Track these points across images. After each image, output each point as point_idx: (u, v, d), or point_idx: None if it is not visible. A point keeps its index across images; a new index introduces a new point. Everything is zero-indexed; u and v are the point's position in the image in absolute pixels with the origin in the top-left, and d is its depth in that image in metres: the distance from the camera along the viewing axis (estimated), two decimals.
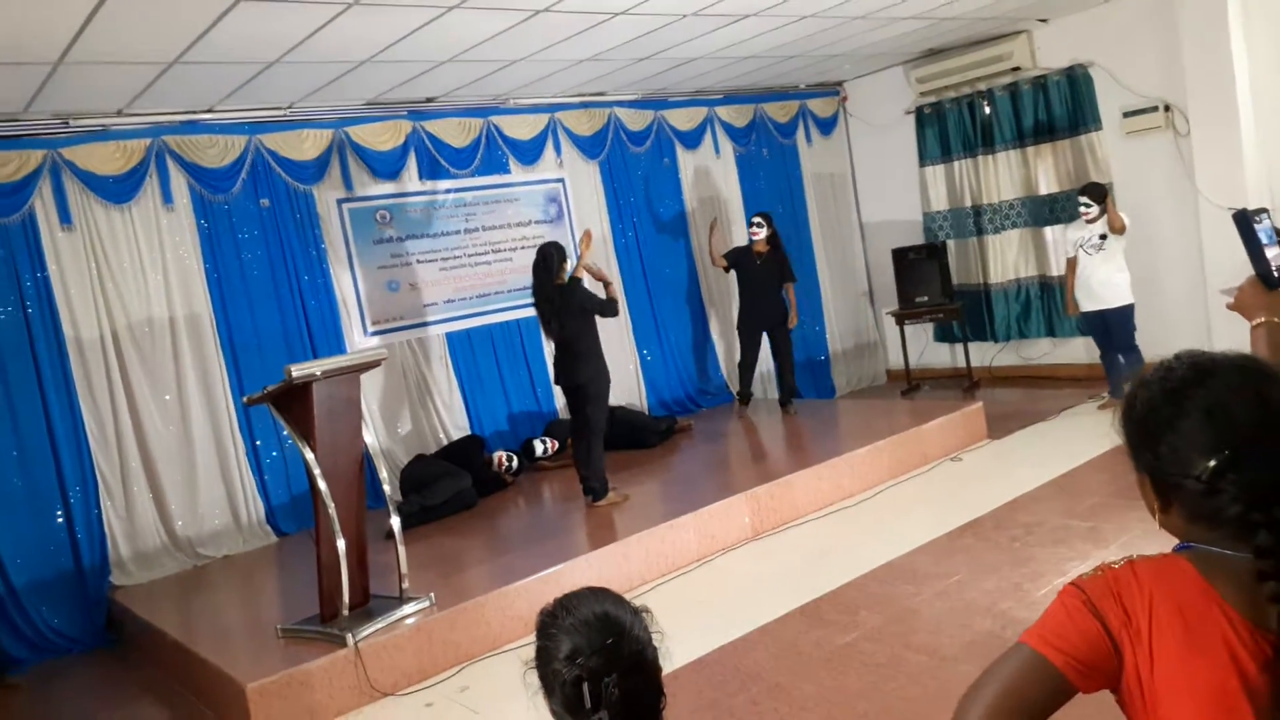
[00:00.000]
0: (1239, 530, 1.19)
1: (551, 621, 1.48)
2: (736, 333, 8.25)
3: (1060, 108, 8.17)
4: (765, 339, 8.04)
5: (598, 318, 5.99)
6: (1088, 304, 7.03)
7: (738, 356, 8.34)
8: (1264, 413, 1.21)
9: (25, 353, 5.65)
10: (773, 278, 7.85)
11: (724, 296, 8.93)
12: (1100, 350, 7.29)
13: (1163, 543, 1.33)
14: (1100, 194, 6.91)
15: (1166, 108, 7.55)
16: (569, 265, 5.98)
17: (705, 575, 5.27)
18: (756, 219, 7.88)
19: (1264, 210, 1.77)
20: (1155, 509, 1.31)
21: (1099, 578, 1.25)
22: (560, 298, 5.86)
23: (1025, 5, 7.34)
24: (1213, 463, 1.19)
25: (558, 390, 7.82)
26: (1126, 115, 7.79)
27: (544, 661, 1.46)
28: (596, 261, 6.39)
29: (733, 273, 8.14)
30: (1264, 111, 7.12)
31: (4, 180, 5.56)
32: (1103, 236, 6.85)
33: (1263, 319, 1.70)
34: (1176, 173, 7.55)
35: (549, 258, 5.90)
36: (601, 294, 6.08)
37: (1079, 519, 5.14)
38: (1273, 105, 7.09)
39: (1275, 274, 1.72)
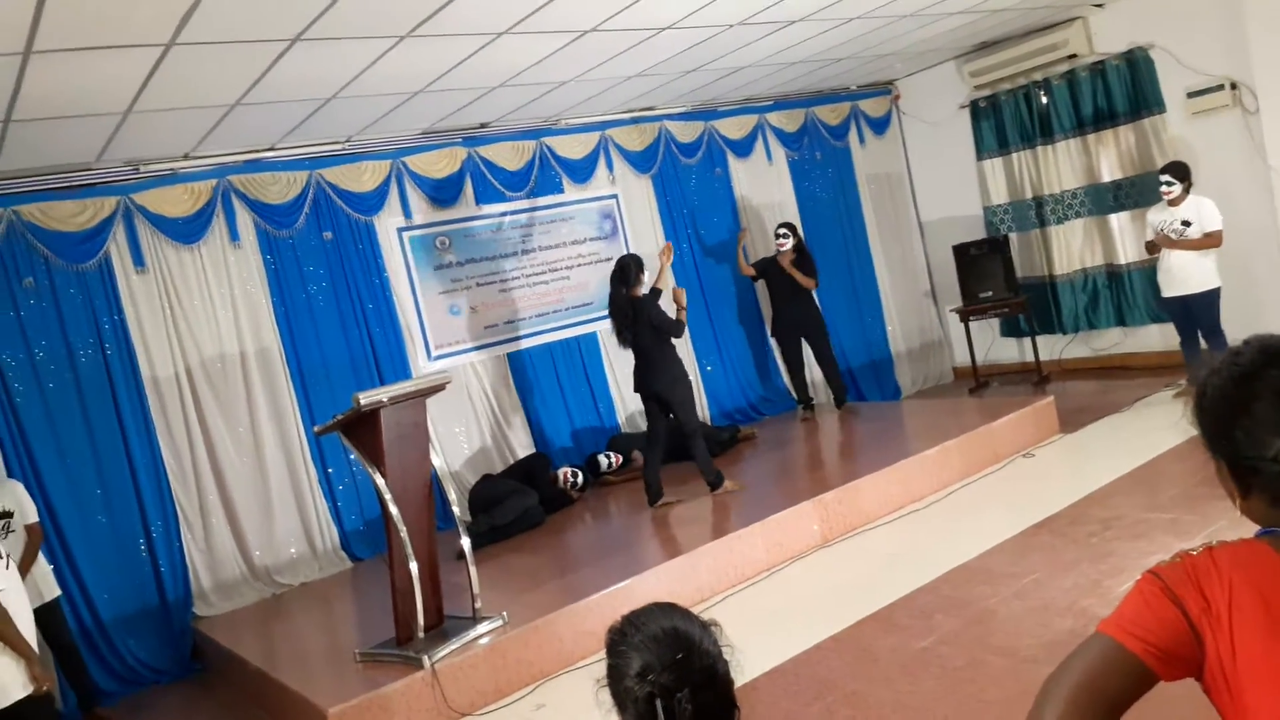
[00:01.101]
0: None
1: (621, 639, 1.48)
2: (774, 341, 8.34)
3: (1120, 92, 7.97)
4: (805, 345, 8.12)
5: None
6: (1169, 289, 6.70)
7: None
8: None
9: (105, 393, 5.86)
10: (801, 286, 7.88)
11: None
12: (1181, 338, 6.95)
13: (1247, 532, 1.30)
14: (1184, 173, 6.57)
15: (1233, 85, 7.31)
16: (647, 277, 6.17)
17: (775, 585, 5.23)
18: (782, 229, 7.96)
19: None
20: (1236, 496, 1.29)
21: (1178, 565, 1.24)
22: (632, 310, 6.06)
23: None
24: None
25: (621, 404, 7.91)
26: (1191, 96, 7.56)
27: (615, 679, 1.46)
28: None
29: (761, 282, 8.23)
30: None
31: (80, 228, 5.80)
32: (1185, 223, 6.55)
33: None
34: (1247, 151, 7.30)
35: (626, 269, 6.14)
36: (671, 313, 6.18)
37: (1159, 511, 4.99)
38: None
39: None
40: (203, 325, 6.25)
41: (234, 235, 6.36)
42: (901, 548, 5.35)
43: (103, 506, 5.81)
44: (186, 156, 6.07)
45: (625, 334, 6.16)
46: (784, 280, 7.92)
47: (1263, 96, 7.09)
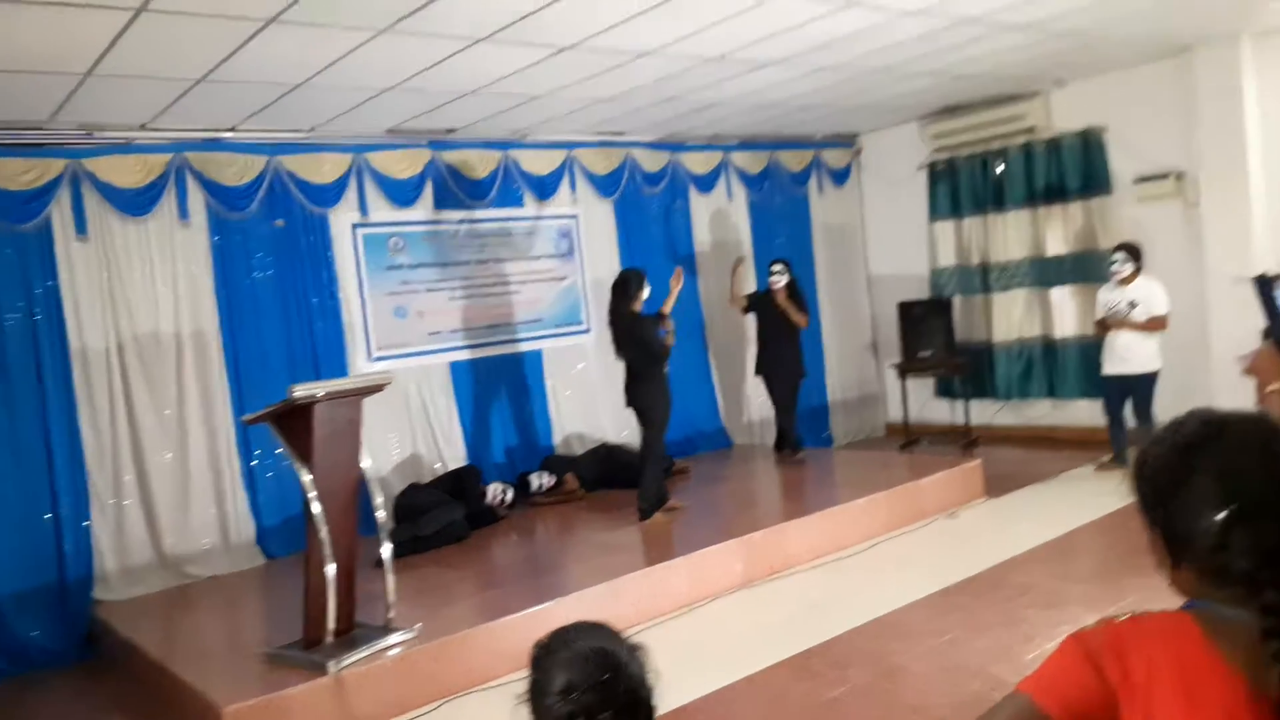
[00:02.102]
0: (1247, 588, 1.19)
1: (546, 654, 1.45)
2: (760, 379, 8.14)
3: (1073, 170, 8.22)
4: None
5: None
6: (1111, 367, 6.90)
7: (742, 400, 8.30)
8: (1272, 467, 1.22)
9: (29, 360, 5.64)
10: (791, 325, 7.79)
11: (729, 342, 8.95)
12: (1110, 417, 7.13)
13: (1164, 605, 1.32)
14: (1137, 253, 6.78)
15: (1178, 177, 7.60)
16: (644, 293, 6.32)
17: (694, 621, 5.22)
18: (776, 265, 7.82)
19: None
20: (1167, 567, 1.31)
21: (1101, 631, 1.26)
22: (627, 325, 6.26)
23: (1042, 67, 7.41)
24: (1222, 516, 1.20)
25: (559, 425, 7.87)
26: (1138, 182, 7.83)
27: (537, 695, 1.43)
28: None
29: (749, 318, 8.15)
30: (1275, 187, 7.17)
31: (24, 188, 5.59)
32: (1133, 303, 6.75)
33: (1277, 385, 1.71)
34: (1186, 242, 7.57)
35: (628, 283, 6.34)
36: (663, 336, 6.35)
37: (1074, 582, 5.10)
38: None
39: None
40: (140, 301, 6.07)
41: (183, 213, 6.21)
42: (822, 595, 5.39)
43: (12, 475, 5.58)
44: (143, 127, 5.92)
45: (621, 348, 6.38)
46: (774, 317, 7.80)
47: (1205, 192, 7.37)
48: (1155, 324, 6.67)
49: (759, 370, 8.09)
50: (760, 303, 7.94)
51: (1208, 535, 1.21)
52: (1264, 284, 1.76)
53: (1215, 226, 7.33)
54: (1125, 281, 6.75)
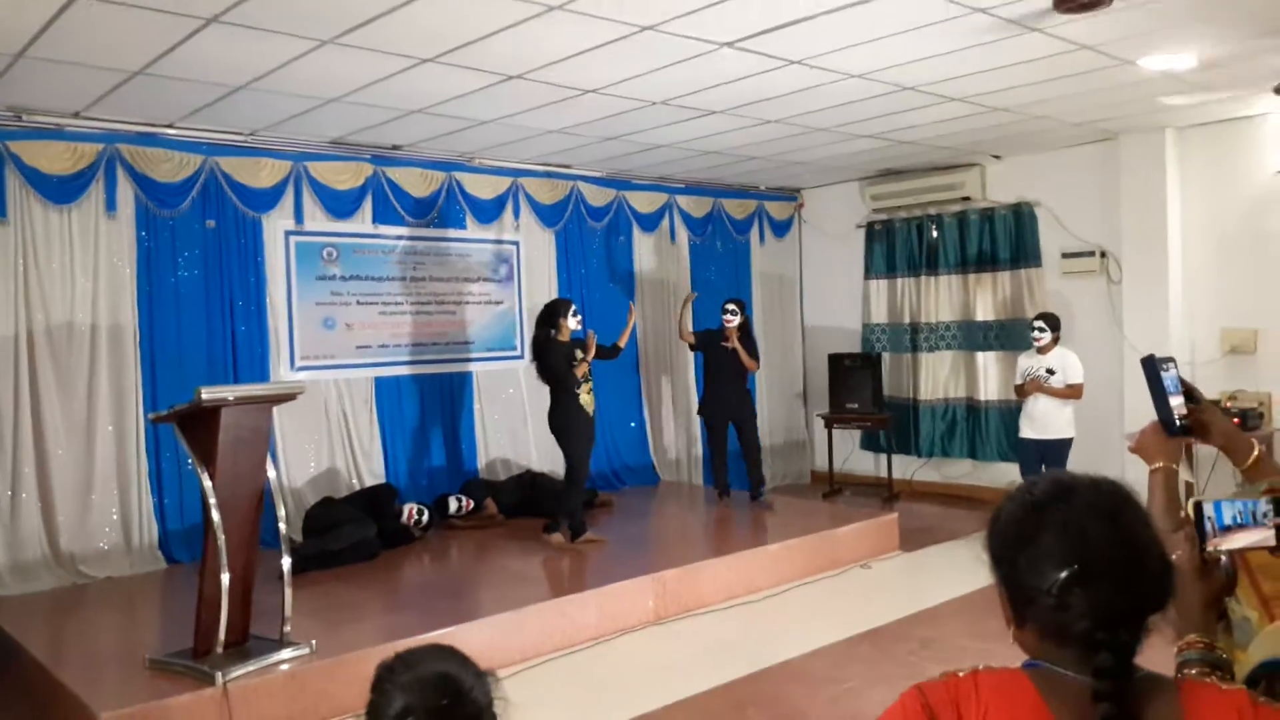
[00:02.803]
0: (1085, 649, 1.21)
1: (388, 675, 1.43)
2: (699, 419, 7.98)
3: (1004, 241, 8.48)
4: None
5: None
6: (1028, 431, 7.06)
7: (671, 437, 8.28)
8: (1116, 532, 1.24)
9: None
10: (741, 366, 7.65)
11: (665, 378, 9.01)
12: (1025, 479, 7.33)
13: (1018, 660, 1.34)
14: (1056, 323, 6.99)
15: (1103, 254, 7.88)
16: (570, 322, 6.52)
17: (600, 655, 5.17)
18: (730, 305, 7.69)
19: (1171, 359, 1.82)
20: (1010, 622, 1.33)
21: (941, 684, 1.28)
22: (541, 351, 6.49)
23: (981, 141, 7.66)
24: (1063, 575, 1.22)
25: (483, 449, 7.82)
26: (1065, 256, 8.11)
27: (374, 717, 1.41)
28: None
29: (693, 358, 8.23)
30: (1192, 269, 7.47)
31: None
32: (1050, 371, 6.95)
33: (1160, 464, 1.77)
34: (1106, 317, 7.85)
35: (553, 311, 6.58)
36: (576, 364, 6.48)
37: (978, 640, 5.15)
38: (1201, 264, 7.44)
39: (1176, 421, 1.78)
40: (56, 290, 5.91)
41: (111, 205, 6.08)
42: (730, 636, 5.39)
43: None
44: (77, 115, 5.80)
45: (540, 373, 6.62)
46: (724, 358, 7.64)
47: (1126, 269, 7.66)
48: (1071, 392, 6.88)
49: (702, 410, 7.99)
50: (710, 341, 7.80)
51: (1049, 594, 1.23)
52: (1150, 365, 1.81)
53: (1134, 304, 7.61)
54: (1044, 350, 6.96)
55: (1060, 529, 1.25)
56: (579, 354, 6.47)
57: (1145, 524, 1.28)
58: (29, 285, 5.82)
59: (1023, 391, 7.11)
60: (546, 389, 6.59)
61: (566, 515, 6.44)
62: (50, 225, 5.89)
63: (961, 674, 1.28)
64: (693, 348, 7.99)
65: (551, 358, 6.44)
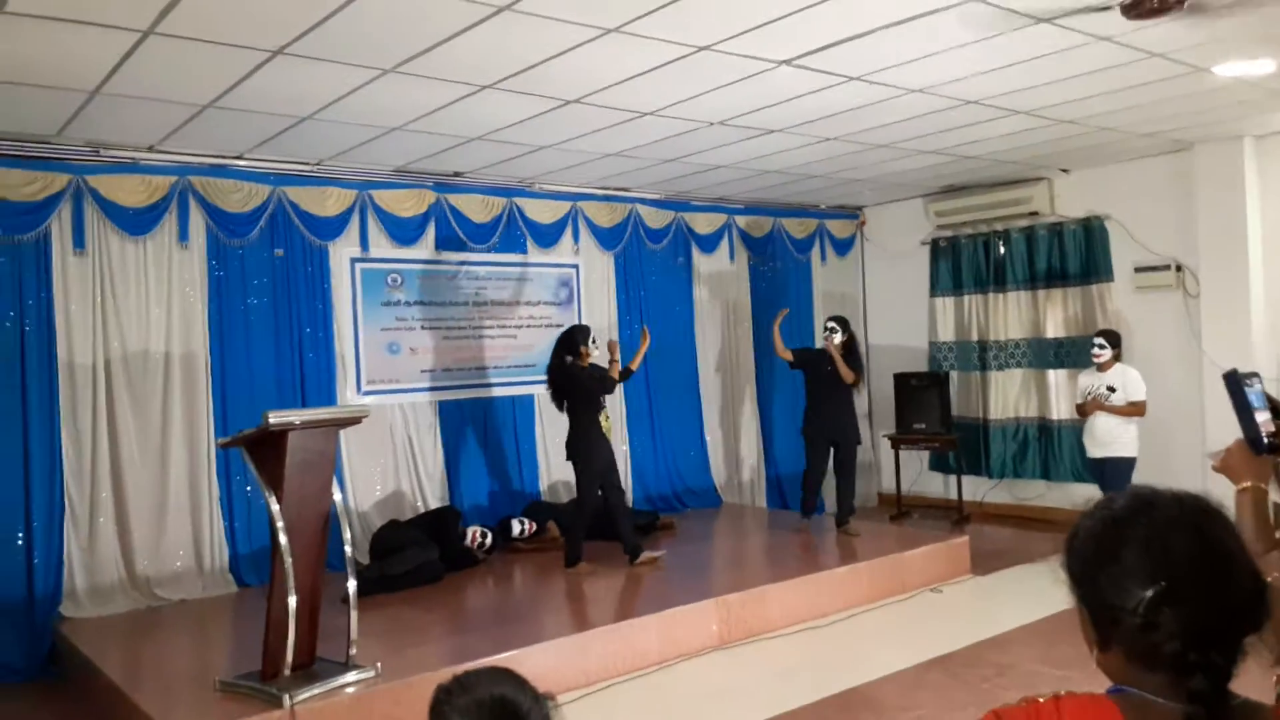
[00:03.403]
0: (1176, 673, 1.15)
1: (446, 699, 1.42)
2: (803, 439, 7.70)
3: (1074, 255, 8.27)
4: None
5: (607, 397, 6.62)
6: (1093, 450, 6.88)
7: (735, 459, 8.19)
8: (1202, 546, 1.19)
9: (15, 370, 5.64)
10: (845, 386, 7.36)
11: (726, 398, 8.96)
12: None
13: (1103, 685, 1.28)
14: (1116, 340, 6.83)
15: (1178, 268, 7.63)
16: (593, 350, 6.50)
17: (663, 680, 5.11)
18: (830, 323, 7.47)
19: (1255, 374, 1.75)
20: (1094, 647, 1.27)
21: (1020, 710, 1.23)
22: (567, 378, 6.42)
23: (1047, 154, 7.49)
24: (1150, 592, 1.16)
25: (545, 472, 7.83)
26: (1138, 270, 7.87)
27: None
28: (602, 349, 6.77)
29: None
30: (1274, 281, 7.19)
31: (26, 199, 5.65)
32: (1111, 389, 6.76)
33: (1248, 484, 1.68)
34: (1184, 332, 7.58)
35: (572, 337, 6.51)
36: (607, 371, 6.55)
37: (1053, 666, 4.99)
38: None
39: (1264, 439, 1.69)
40: (132, 319, 6.09)
41: (183, 235, 6.26)
42: (797, 662, 5.28)
43: None
44: (150, 149, 5.99)
45: (559, 401, 6.59)
46: (826, 375, 7.36)
47: (1205, 284, 7.40)
48: (1134, 409, 6.68)
49: (805, 430, 7.65)
50: (810, 359, 7.57)
51: (1135, 613, 1.17)
52: (1233, 380, 1.73)
53: (1214, 319, 7.35)
54: (1104, 367, 6.80)
55: (1143, 544, 1.20)
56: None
57: (1234, 537, 1.21)
58: (106, 315, 6.00)
59: (1084, 411, 6.94)
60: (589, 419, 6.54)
61: (572, 554, 6.43)
62: (126, 256, 6.08)
63: (1042, 700, 1.23)
64: (792, 365, 7.67)
65: (585, 381, 6.42)
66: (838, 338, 7.34)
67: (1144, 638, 1.17)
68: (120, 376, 6.03)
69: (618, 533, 6.47)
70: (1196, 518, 1.22)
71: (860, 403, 9.90)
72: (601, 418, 6.48)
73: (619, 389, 8.20)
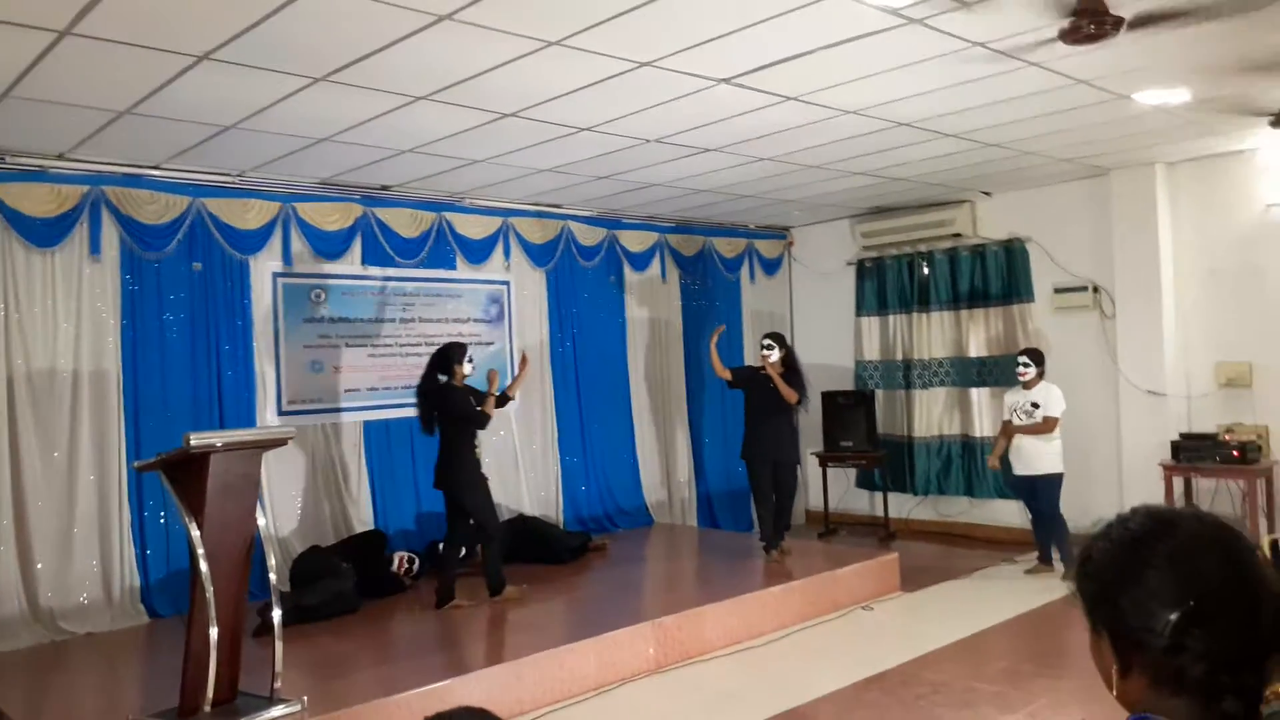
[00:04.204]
0: (1204, 696, 1.12)
1: None
2: (744, 464, 7.32)
3: (996, 276, 8.47)
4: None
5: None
6: (1018, 468, 7.10)
7: (665, 477, 8.14)
8: (1230, 566, 1.16)
9: None
10: (784, 404, 7.00)
11: (658, 418, 8.92)
12: (1031, 515, 7.36)
13: (1074, 710, 1.24)
14: (1040, 358, 7.09)
15: (1095, 289, 7.87)
16: (467, 368, 6.12)
17: (600, 706, 5.00)
18: (767, 340, 7.13)
19: None
20: (1113, 673, 1.21)
21: None
22: (439, 398, 6.05)
23: (972, 177, 7.67)
24: (1176, 614, 1.13)
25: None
26: (1057, 291, 8.10)
27: None
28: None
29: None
30: (1186, 303, 7.47)
31: None
32: (1034, 405, 6.97)
33: None
34: (1100, 351, 7.82)
35: (446, 355, 6.12)
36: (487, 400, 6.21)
37: (986, 682, 5.04)
38: (1194, 298, 7.44)
39: None
40: (38, 335, 5.76)
41: (95, 248, 5.96)
42: (736, 685, 5.23)
43: None
44: (61, 156, 5.70)
45: (430, 423, 6.14)
46: (766, 395, 7.00)
47: (1120, 304, 7.64)
48: (1044, 426, 6.88)
49: (745, 454, 7.22)
50: (750, 378, 7.22)
51: (1161, 636, 1.14)
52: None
53: (1129, 339, 7.60)
54: (1029, 385, 7.00)
55: (1167, 564, 1.16)
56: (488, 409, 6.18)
57: (1257, 557, 1.19)
58: (9, 330, 5.66)
59: (1005, 433, 7.14)
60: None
61: (493, 579, 6.11)
62: (33, 269, 5.76)
63: None
64: (730, 385, 7.35)
65: (459, 402, 6.06)
66: (774, 355, 7.04)
67: (1170, 661, 1.14)
68: (24, 395, 5.69)
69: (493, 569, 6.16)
70: (1221, 536, 1.19)
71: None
72: (476, 441, 6.19)
73: (549, 405, 8.13)
